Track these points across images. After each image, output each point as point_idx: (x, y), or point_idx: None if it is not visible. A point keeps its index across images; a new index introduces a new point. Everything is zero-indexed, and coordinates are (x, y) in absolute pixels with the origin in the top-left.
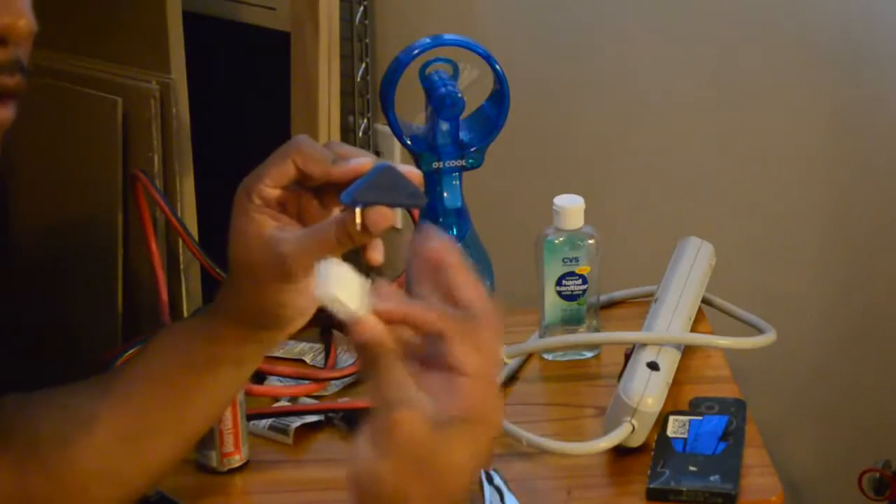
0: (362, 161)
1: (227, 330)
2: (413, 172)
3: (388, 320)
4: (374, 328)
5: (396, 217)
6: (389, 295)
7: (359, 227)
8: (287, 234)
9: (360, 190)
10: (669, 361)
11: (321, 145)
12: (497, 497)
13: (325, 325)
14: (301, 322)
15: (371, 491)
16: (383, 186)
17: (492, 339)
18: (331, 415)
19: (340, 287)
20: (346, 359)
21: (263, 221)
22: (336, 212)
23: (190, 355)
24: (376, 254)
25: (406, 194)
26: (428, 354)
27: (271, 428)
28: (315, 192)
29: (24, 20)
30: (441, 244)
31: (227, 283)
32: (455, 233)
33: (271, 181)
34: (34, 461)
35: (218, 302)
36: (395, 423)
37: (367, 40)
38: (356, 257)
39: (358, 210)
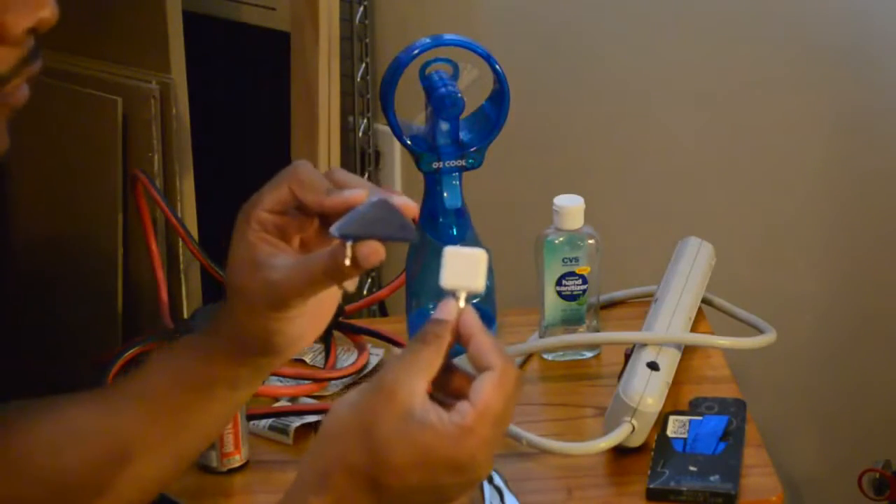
0: (355, 193)
1: (221, 352)
2: (408, 205)
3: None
4: (454, 312)
5: (384, 251)
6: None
7: (348, 262)
8: (279, 262)
9: (349, 223)
10: (669, 361)
11: (320, 173)
12: (497, 497)
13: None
14: (297, 349)
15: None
16: (373, 220)
17: (512, 399)
18: None
19: (462, 278)
20: (346, 359)
21: (259, 247)
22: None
23: (185, 374)
24: (349, 284)
25: (396, 228)
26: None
27: (271, 428)
28: (320, 217)
29: (51, 10)
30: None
31: (225, 305)
32: (455, 233)
33: (268, 206)
34: (29, 469)
35: (216, 323)
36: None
37: (367, 40)
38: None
39: (349, 245)
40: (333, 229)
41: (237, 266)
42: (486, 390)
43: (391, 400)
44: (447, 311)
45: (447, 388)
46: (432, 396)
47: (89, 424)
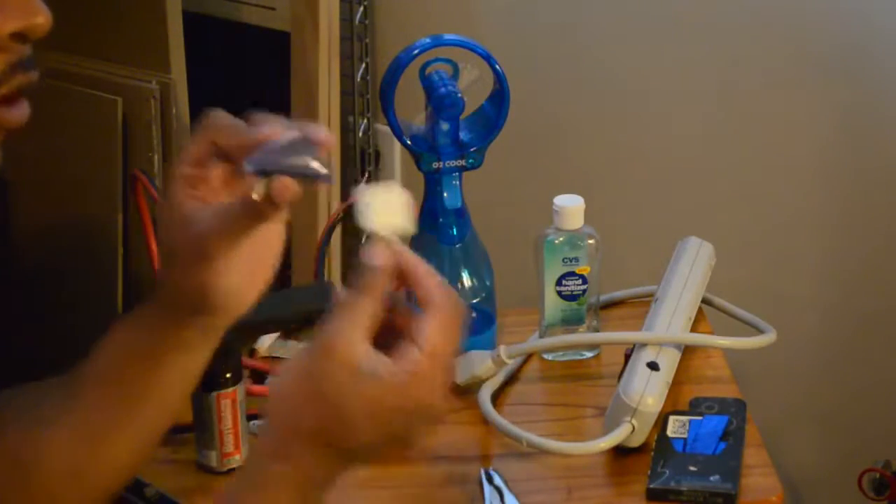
0: (270, 128)
1: (163, 316)
2: (325, 142)
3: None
4: (386, 256)
5: (298, 187)
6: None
7: (256, 196)
8: (202, 214)
9: (261, 157)
10: (669, 361)
11: (239, 119)
12: (497, 497)
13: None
14: (239, 306)
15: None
16: (286, 154)
17: (458, 335)
18: None
19: (380, 217)
20: None
21: (185, 203)
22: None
23: (134, 347)
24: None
25: (308, 163)
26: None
27: None
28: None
29: (44, 17)
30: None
31: (160, 268)
32: (455, 233)
33: (189, 160)
34: (4, 459)
35: (156, 289)
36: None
37: (367, 40)
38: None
39: (261, 181)
40: (245, 163)
41: (166, 227)
42: (433, 332)
43: (332, 354)
44: (377, 255)
45: (390, 329)
46: (376, 343)
47: (57, 412)
